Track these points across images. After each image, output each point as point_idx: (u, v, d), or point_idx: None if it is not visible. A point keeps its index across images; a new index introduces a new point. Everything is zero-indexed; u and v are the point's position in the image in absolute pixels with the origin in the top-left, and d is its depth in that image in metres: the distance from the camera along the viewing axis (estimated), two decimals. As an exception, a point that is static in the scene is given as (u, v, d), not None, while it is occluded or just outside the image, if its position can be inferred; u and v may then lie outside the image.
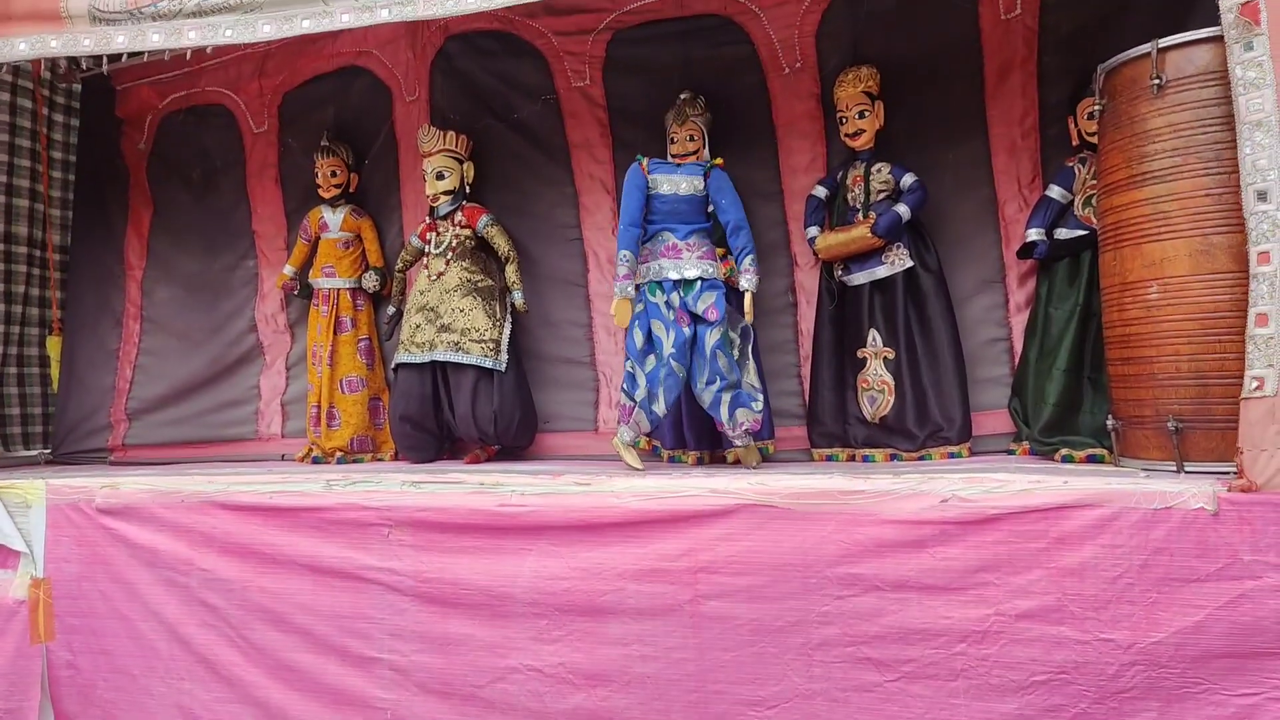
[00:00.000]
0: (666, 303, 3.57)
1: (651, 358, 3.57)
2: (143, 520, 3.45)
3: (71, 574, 3.51)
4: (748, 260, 3.59)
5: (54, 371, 5.18)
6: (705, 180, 3.65)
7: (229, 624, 3.31)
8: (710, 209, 3.73)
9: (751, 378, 3.60)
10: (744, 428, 3.52)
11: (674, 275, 3.57)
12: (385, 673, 3.13)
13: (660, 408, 3.52)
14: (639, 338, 3.58)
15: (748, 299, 3.57)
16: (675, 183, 3.64)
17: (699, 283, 3.56)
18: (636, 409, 3.55)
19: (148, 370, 5.05)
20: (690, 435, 3.89)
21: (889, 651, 2.63)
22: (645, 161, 3.65)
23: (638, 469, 3.52)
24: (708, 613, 2.81)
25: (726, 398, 3.48)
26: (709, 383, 3.49)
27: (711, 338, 3.49)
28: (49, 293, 5.23)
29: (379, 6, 3.25)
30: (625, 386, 3.63)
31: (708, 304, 3.52)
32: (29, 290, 5.12)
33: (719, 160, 3.69)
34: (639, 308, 3.61)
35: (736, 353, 3.58)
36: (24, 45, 3.65)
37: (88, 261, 5.19)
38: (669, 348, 3.51)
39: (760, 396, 3.57)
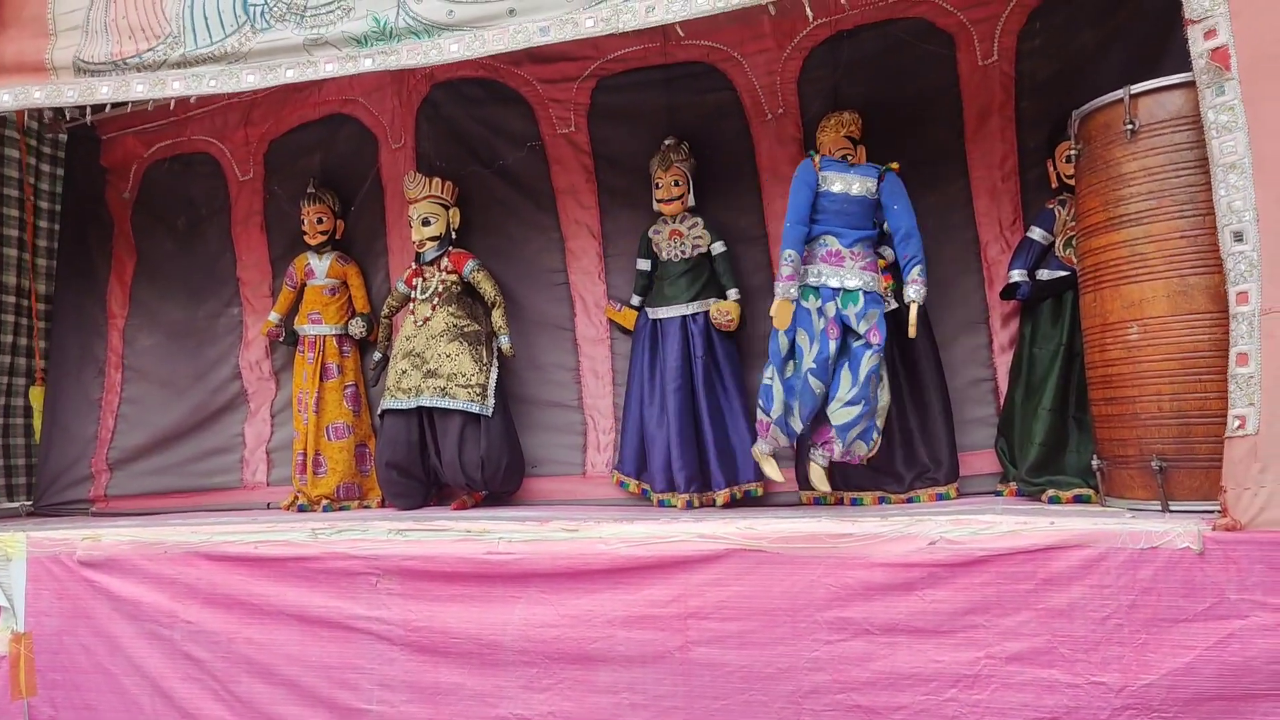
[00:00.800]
0: (819, 310, 3.33)
1: (790, 365, 3.35)
2: (125, 572, 3.41)
3: (53, 628, 3.46)
4: (917, 270, 3.31)
5: (36, 422, 5.14)
6: (879, 183, 3.41)
7: (213, 677, 3.26)
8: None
9: (880, 413, 3.40)
10: (848, 457, 3.37)
11: (834, 283, 3.33)
12: (373, 724, 3.09)
13: (797, 423, 3.35)
14: (783, 344, 3.34)
15: (914, 310, 3.31)
16: (848, 182, 3.40)
17: (862, 296, 3.32)
18: (773, 426, 3.38)
19: (129, 419, 5.02)
20: (680, 478, 3.88)
21: (880, 698, 2.61)
22: (817, 158, 3.43)
23: (778, 480, 3.51)
24: (697, 659, 2.79)
25: (863, 424, 3.31)
26: (852, 402, 3.28)
27: (870, 360, 3.28)
28: (35, 342, 5.21)
29: (362, 56, 3.29)
30: (761, 401, 3.40)
31: (872, 324, 3.30)
32: (16, 340, 5.10)
33: (895, 165, 3.46)
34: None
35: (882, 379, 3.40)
36: (7, 97, 3.68)
37: (71, 311, 5.18)
38: (809, 361, 3.30)
39: (878, 436, 3.42)
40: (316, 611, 3.18)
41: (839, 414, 3.30)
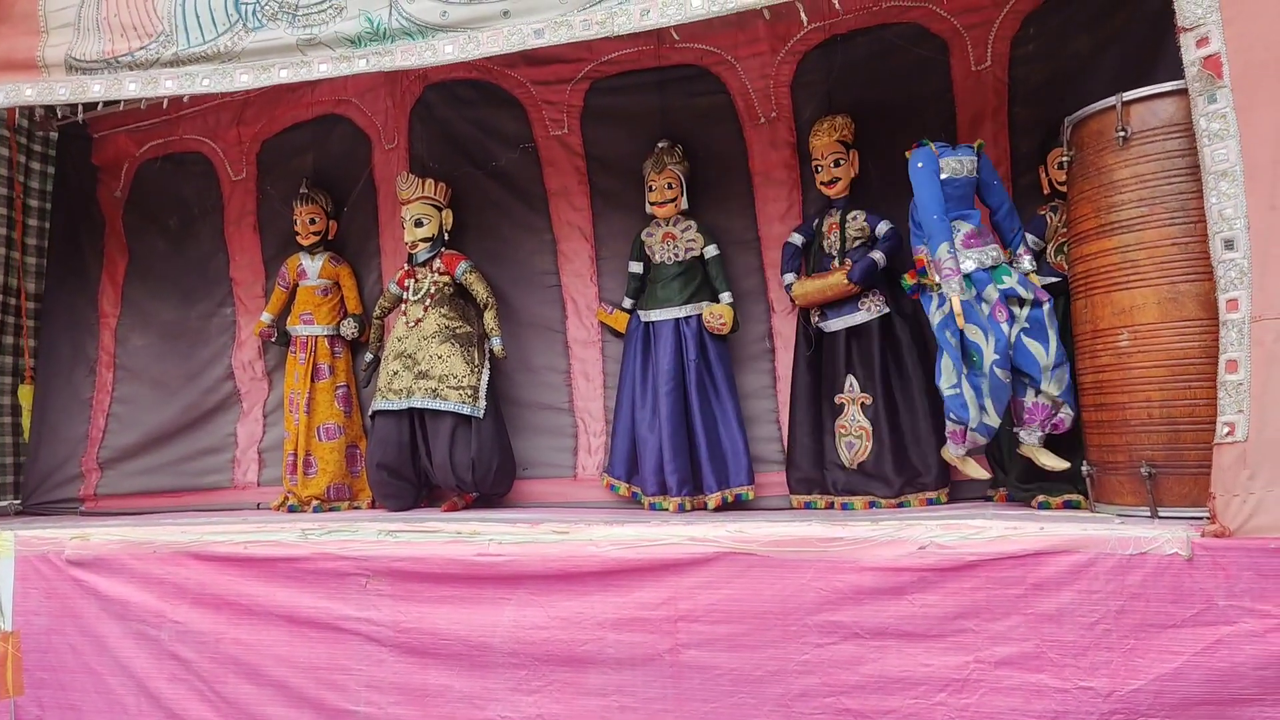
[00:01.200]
0: (979, 299, 3.17)
1: (964, 364, 3.19)
2: (113, 572, 3.40)
3: (41, 627, 3.44)
4: (1029, 240, 3.43)
5: (25, 421, 5.12)
6: (978, 161, 3.37)
7: (200, 678, 3.25)
8: None
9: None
10: (1064, 419, 3.25)
11: (988, 261, 3.24)
12: (361, 726, 3.08)
13: (994, 419, 3.18)
14: (954, 342, 3.17)
15: (1035, 278, 3.32)
16: (961, 164, 3.33)
17: (1008, 268, 3.27)
18: (970, 433, 3.21)
19: (121, 419, 5.01)
20: (672, 481, 3.88)
21: (869, 702, 2.62)
22: (933, 144, 3.33)
23: (983, 476, 3.40)
24: (687, 662, 2.79)
25: (1070, 380, 3.18)
26: (1058, 364, 3.15)
27: (1051, 317, 3.18)
28: (24, 341, 5.18)
29: (356, 56, 3.27)
30: (953, 414, 3.20)
31: (1032, 283, 3.23)
32: (4, 339, 5.08)
33: (982, 141, 3.49)
34: (946, 309, 3.21)
35: None
36: (-1, 94, 3.66)
37: (62, 309, 5.16)
38: (991, 354, 3.12)
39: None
40: (305, 612, 3.17)
41: (1054, 383, 3.17)
